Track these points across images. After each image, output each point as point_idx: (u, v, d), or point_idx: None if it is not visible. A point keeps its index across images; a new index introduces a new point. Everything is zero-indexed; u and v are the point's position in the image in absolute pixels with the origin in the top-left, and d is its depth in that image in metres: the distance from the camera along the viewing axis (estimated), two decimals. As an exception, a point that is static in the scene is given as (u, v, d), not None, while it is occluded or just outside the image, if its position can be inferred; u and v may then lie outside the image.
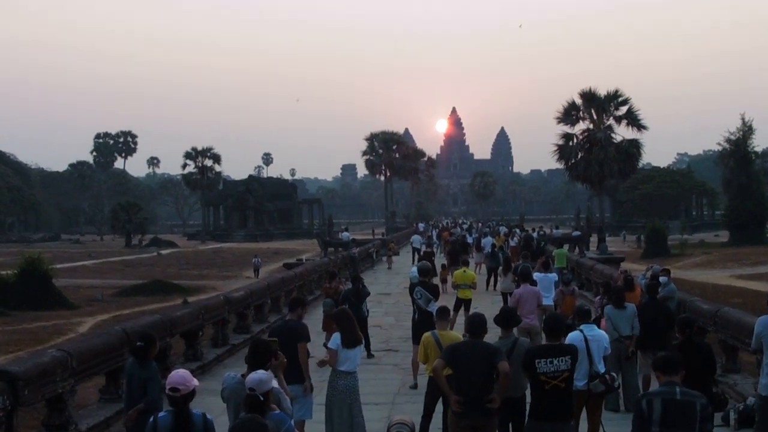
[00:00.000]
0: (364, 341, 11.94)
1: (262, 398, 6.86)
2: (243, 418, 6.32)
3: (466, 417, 8.87)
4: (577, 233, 57.23)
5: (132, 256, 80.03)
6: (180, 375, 6.97)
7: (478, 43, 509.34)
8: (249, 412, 6.61)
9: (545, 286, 19.87)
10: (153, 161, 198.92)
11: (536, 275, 20.42)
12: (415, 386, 14.71)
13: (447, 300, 20.59)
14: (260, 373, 7.19)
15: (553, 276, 20.58)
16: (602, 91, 54.74)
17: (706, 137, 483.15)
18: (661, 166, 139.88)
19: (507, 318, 10.22)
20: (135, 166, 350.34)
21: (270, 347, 8.68)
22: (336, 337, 11.07)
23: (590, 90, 54.72)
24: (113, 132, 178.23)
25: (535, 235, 52.03)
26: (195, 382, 7.00)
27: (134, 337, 13.81)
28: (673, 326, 14.61)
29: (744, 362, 15.81)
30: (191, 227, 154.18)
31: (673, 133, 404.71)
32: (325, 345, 12.72)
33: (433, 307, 14.70)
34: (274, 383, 7.38)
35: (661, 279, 17.66)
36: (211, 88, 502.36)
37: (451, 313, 15.58)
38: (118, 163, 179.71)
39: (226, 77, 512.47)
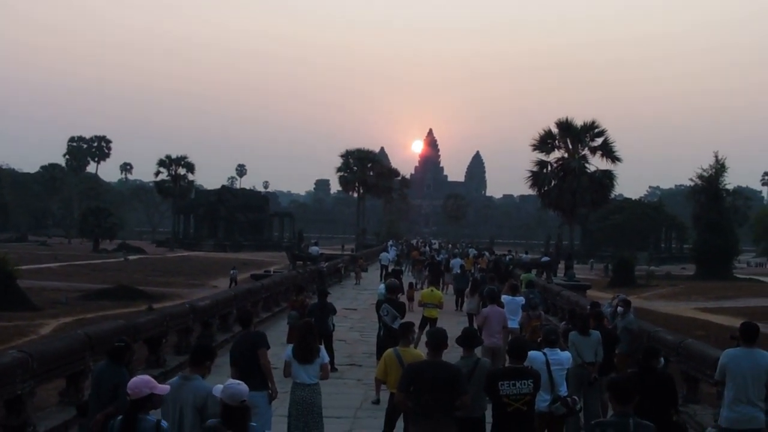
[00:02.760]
0: (327, 356, 11.93)
1: (237, 411, 6.84)
2: (211, 426, 6.28)
3: (426, 425, 8.86)
4: (546, 259, 57.47)
5: (99, 261, 79.62)
6: (134, 381, 6.97)
7: (457, 67, 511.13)
8: (235, 425, 6.59)
9: (512, 309, 19.96)
10: (126, 167, 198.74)
11: (504, 298, 20.52)
12: (377, 402, 14.73)
13: (413, 318, 20.60)
14: (242, 384, 7.09)
15: (521, 299, 20.63)
16: (579, 122, 54.92)
17: (679, 172, 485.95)
18: (633, 198, 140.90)
19: (469, 338, 10.25)
20: (108, 171, 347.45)
21: (210, 351, 8.92)
22: (288, 348, 11.25)
23: (567, 120, 54.91)
24: (87, 136, 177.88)
25: (507, 258, 52.41)
26: (150, 390, 6.93)
27: (97, 342, 13.80)
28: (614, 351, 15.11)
29: (704, 393, 15.92)
30: (161, 234, 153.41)
31: (646, 166, 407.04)
32: None
33: (399, 324, 14.81)
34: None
35: (618, 309, 17.69)
36: (188, 96, 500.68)
37: (416, 330, 15.61)
38: (91, 168, 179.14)
39: (203, 87, 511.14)
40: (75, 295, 45.21)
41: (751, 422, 10.02)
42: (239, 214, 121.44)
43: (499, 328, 17.35)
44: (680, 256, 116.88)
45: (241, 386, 6.97)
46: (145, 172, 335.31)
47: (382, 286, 24.60)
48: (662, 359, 11.64)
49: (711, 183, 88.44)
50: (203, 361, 8.57)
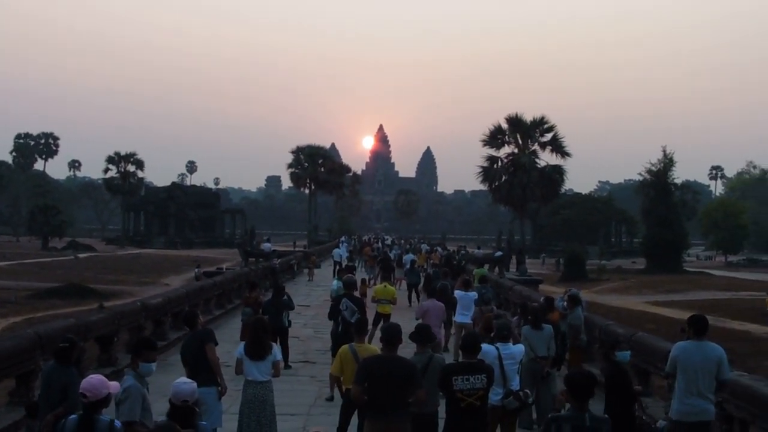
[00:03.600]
0: (279, 354, 11.93)
1: (197, 409, 6.84)
2: (161, 424, 6.25)
3: (378, 421, 8.91)
4: (498, 254, 57.68)
5: (48, 259, 78.83)
6: (90, 382, 6.91)
7: (407, 64, 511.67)
8: (181, 423, 6.56)
9: (465, 304, 20.12)
10: (74, 164, 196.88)
11: (457, 293, 20.68)
12: (331, 398, 14.71)
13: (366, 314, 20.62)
14: (190, 383, 7.10)
15: (473, 294, 20.71)
16: (528, 117, 55.40)
17: (628, 167, 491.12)
18: (583, 193, 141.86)
19: (422, 335, 10.28)
20: (56, 169, 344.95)
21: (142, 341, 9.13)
22: (240, 346, 11.28)
23: (517, 115, 55.27)
24: (34, 133, 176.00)
25: (461, 254, 52.71)
26: (108, 390, 6.90)
27: (47, 341, 13.63)
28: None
29: (655, 386, 16.10)
30: (111, 232, 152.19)
31: (595, 161, 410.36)
32: None
33: (356, 318, 14.89)
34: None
35: (558, 304, 17.82)
36: (137, 93, 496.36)
37: (370, 326, 15.64)
38: (39, 165, 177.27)
39: (152, 83, 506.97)
40: (24, 294, 44.71)
41: (702, 415, 10.11)
42: (190, 211, 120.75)
43: (438, 322, 17.56)
44: (630, 250, 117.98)
45: (185, 385, 7.00)
46: (94, 169, 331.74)
47: (336, 282, 24.60)
48: (628, 352, 11.79)
49: (660, 177, 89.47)
50: (139, 351, 8.55)
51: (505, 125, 55.54)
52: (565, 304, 17.69)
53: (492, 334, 12.28)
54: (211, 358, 11.16)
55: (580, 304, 17.91)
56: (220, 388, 11.26)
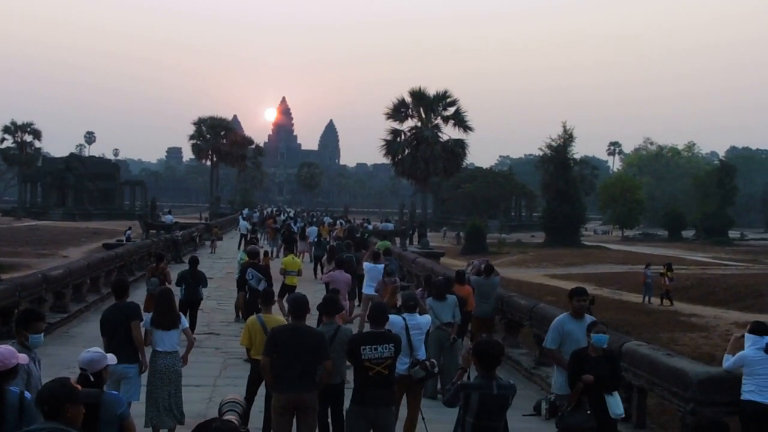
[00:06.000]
0: (186, 322, 11.96)
1: (92, 378, 6.80)
2: (51, 381, 6.18)
3: (286, 392, 9.02)
4: (389, 226, 57.79)
5: (-60, 230, 76.81)
6: (1, 352, 6.78)
7: (310, 36, 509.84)
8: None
9: (373, 276, 20.33)
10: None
11: (365, 265, 20.93)
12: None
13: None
14: (91, 352, 7.09)
15: (381, 266, 20.89)
16: (432, 91, 55.71)
17: (528, 142, 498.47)
18: (484, 167, 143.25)
19: (330, 305, 10.39)
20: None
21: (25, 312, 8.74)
22: (147, 317, 11.25)
23: (420, 89, 55.54)
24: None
25: (369, 227, 53.25)
26: (16, 360, 6.79)
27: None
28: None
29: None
30: (6, 203, 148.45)
31: (496, 136, 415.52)
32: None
33: (263, 286, 15.15)
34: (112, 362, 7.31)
35: (472, 276, 18.50)
36: (35, 61, 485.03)
37: (276, 298, 15.71)
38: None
39: (50, 51, 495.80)
40: None
41: None
42: (89, 183, 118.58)
43: (344, 293, 17.69)
44: (530, 224, 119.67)
45: (87, 354, 7.03)
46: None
47: (241, 254, 24.63)
48: (605, 336, 9.83)
49: (559, 152, 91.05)
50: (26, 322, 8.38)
51: (408, 99, 55.80)
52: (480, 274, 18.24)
53: (398, 305, 12.45)
54: (136, 337, 10.98)
55: (496, 272, 18.53)
56: (141, 365, 11.09)
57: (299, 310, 9.43)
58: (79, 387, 5.83)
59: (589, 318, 10.67)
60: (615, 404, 9.50)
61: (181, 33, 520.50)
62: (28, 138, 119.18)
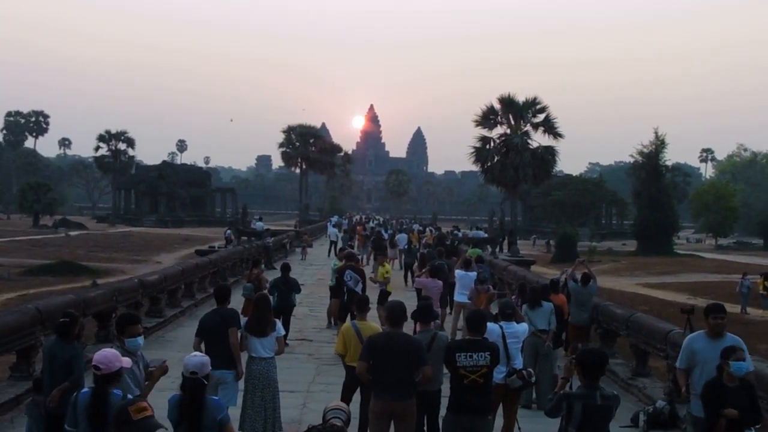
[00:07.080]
0: (283, 329, 11.99)
1: (205, 382, 6.84)
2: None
3: (383, 399, 8.97)
4: (481, 234, 57.51)
5: (40, 236, 78.64)
6: (104, 354, 6.83)
7: (399, 43, 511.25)
8: (189, 398, 6.59)
9: (465, 283, 20.11)
10: (64, 142, 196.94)
11: (457, 272, 20.76)
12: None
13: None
14: (199, 356, 7.13)
15: (474, 274, 20.75)
16: (521, 98, 55.31)
17: (618, 148, 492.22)
18: (574, 174, 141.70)
19: (425, 312, 10.32)
20: (46, 147, 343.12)
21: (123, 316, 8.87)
22: (243, 321, 11.37)
23: (509, 96, 55.19)
24: (25, 111, 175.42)
25: (459, 234, 53.09)
26: (120, 363, 6.85)
27: (47, 316, 13.65)
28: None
29: (652, 367, 16.19)
30: (101, 210, 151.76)
31: (586, 142, 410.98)
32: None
33: (360, 288, 15.30)
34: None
35: (570, 285, 18.29)
36: (127, 71, 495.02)
37: (373, 305, 15.71)
38: (29, 143, 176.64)
39: (142, 60, 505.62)
40: (17, 271, 44.56)
41: None
42: (181, 190, 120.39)
43: (436, 300, 17.59)
44: (621, 232, 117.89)
45: (194, 358, 7.04)
46: (84, 147, 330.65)
47: (334, 260, 24.70)
48: (745, 363, 8.77)
49: (651, 159, 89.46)
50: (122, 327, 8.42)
51: (497, 106, 55.50)
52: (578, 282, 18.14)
53: (495, 313, 12.32)
54: (233, 343, 11.09)
55: (594, 278, 18.61)
56: (237, 373, 11.16)
57: (396, 318, 9.33)
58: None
59: (730, 338, 9.42)
60: None
61: (275, 47, 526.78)
62: (122, 146, 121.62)
